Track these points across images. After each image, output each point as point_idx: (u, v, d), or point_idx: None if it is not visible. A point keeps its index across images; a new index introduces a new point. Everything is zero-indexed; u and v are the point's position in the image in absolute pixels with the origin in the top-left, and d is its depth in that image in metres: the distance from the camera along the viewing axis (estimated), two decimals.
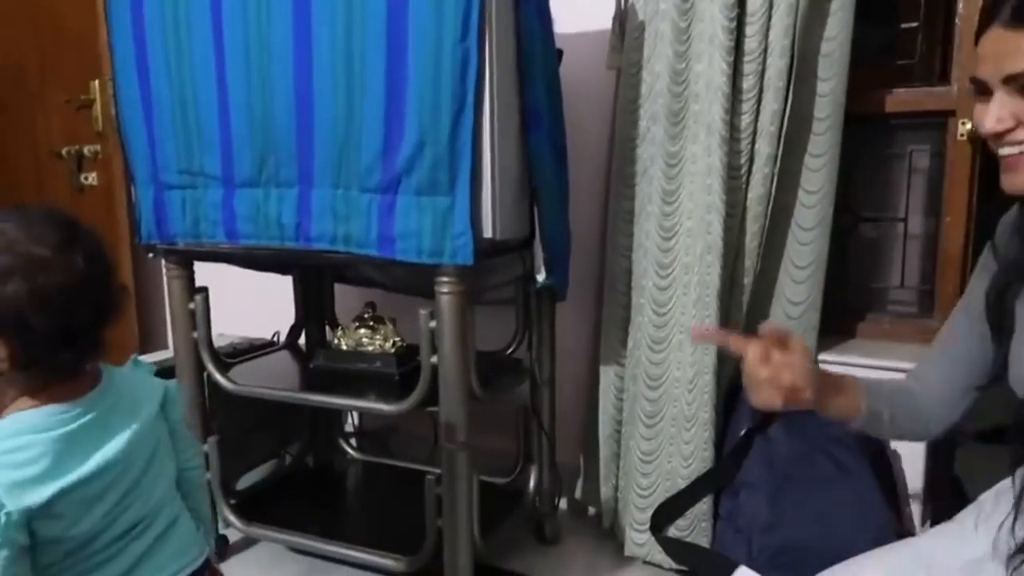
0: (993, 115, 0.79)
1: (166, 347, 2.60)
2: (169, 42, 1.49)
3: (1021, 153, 0.80)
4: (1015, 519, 0.86)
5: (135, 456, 0.88)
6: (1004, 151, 0.81)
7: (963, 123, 1.62)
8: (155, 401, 0.94)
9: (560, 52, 1.56)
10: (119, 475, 0.85)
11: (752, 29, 1.50)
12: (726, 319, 1.60)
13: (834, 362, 1.65)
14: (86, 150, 2.44)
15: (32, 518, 0.78)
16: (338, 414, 2.10)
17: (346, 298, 2.04)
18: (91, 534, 0.84)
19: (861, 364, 1.64)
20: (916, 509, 1.63)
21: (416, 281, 1.70)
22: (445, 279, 1.36)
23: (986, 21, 0.80)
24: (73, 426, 0.82)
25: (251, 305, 2.09)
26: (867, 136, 1.75)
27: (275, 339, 2.03)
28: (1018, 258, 0.91)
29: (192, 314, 1.61)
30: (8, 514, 0.75)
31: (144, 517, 0.90)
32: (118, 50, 1.56)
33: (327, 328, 2.00)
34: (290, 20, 1.38)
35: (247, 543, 1.79)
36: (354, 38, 1.34)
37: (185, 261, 1.62)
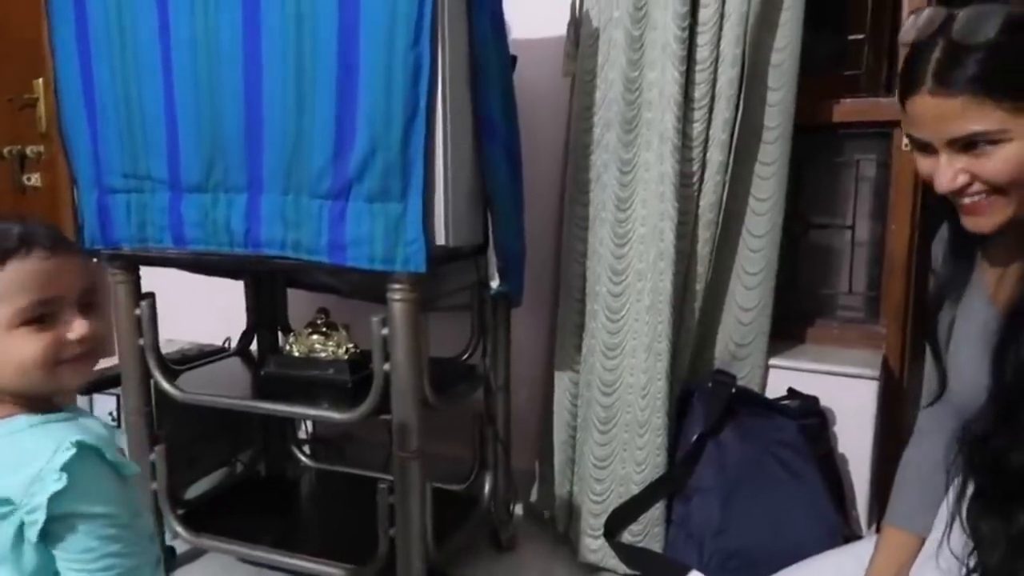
0: (948, 176, 0.80)
1: (112, 353, 2.54)
2: (113, 41, 1.45)
3: (983, 199, 0.81)
4: (948, 537, 0.88)
5: None
6: (965, 201, 0.82)
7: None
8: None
9: (514, 59, 1.56)
10: None
11: (704, 39, 1.52)
12: (679, 325, 1.61)
13: (784, 367, 1.69)
14: (29, 150, 2.36)
15: None
16: (291, 421, 2.07)
17: (299, 304, 2.01)
18: None
19: (810, 369, 1.67)
20: (863, 512, 1.66)
21: (371, 286, 1.68)
22: (397, 286, 1.35)
23: (908, 86, 0.80)
24: None
25: (202, 310, 2.05)
26: (816, 144, 1.79)
27: (226, 345, 1.99)
28: (951, 274, 0.93)
29: (138, 320, 1.57)
30: None
31: None
32: (59, 48, 1.52)
33: (280, 334, 1.96)
34: (239, 20, 1.36)
35: (195, 554, 1.76)
36: (304, 41, 1.32)
37: (131, 266, 1.58)
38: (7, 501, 0.71)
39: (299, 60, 1.32)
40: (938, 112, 0.78)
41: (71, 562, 0.72)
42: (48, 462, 0.70)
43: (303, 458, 2.06)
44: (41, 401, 0.78)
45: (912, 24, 0.81)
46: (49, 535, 0.71)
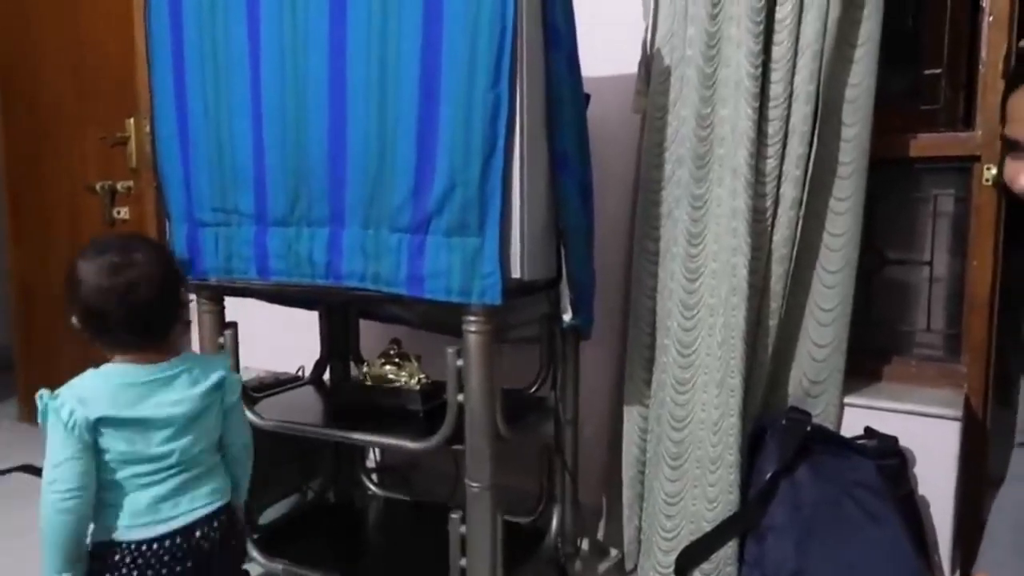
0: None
1: None
2: (208, 84, 1.54)
3: None
4: None
5: (180, 414, 1.19)
6: None
7: (988, 168, 1.63)
8: (212, 383, 1.24)
9: (588, 96, 1.59)
10: (162, 423, 1.18)
11: (777, 75, 1.52)
12: (751, 361, 1.60)
13: (861, 405, 1.65)
14: (119, 185, 2.51)
15: (89, 429, 1.12)
16: (360, 449, 2.11)
17: (370, 334, 2.06)
18: (129, 456, 1.15)
19: (888, 408, 1.63)
20: (945, 557, 1.60)
21: (441, 318, 1.72)
22: (473, 318, 1.37)
23: (1011, 86, 0.81)
24: (129, 380, 1.17)
25: (275, 339, 2.11)
26: (891, 179, 1.76)
27: (300, 373, 2.05)
28: None
29: (221, 348, 1.64)
30: (75, 418, 1.11)
31: (184, 461, 1.20)
32: (158, 91, 1.61)
33: (351, 363, 2.01)
34: (325, 63, 1.42)
35: None
36: (388, 82, 1.37)
37: (216, 296, 1.65)
38: (219, 386, 1.26)
39: (382, 100, 1.38)
40: None
41: (237, 421, 1.33)
42: (226, 371, 1.28)
43: (371, 486, 2.09)
44: None
45: None
46: (231, 409, 1.30)
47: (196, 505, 1.21)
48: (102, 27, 2.53)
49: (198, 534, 1.21)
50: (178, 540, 1.19)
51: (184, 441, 1.20)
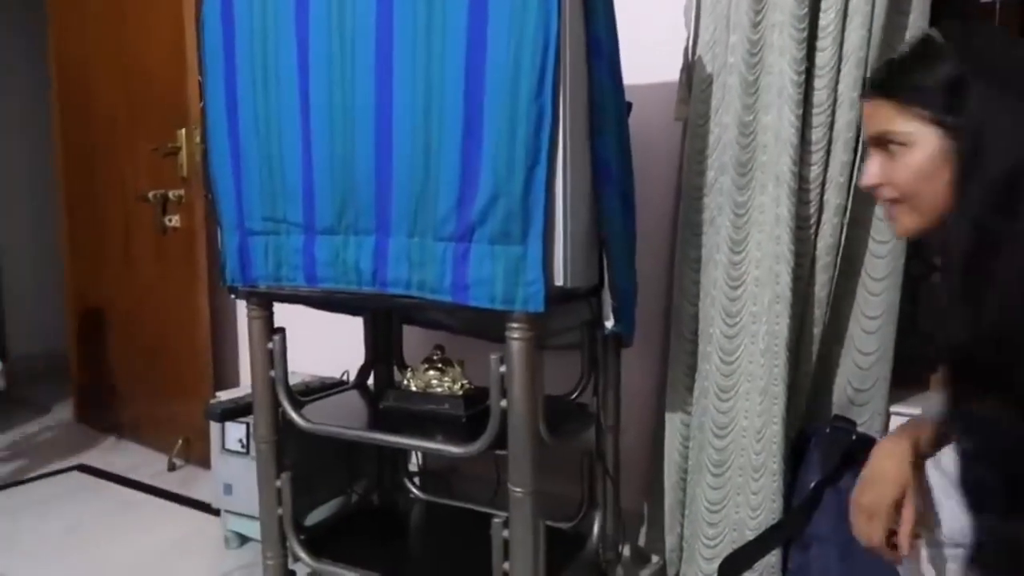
0: (864, 172, 0.97)
1: (236, 384, 2.70)
2: (258, 99, 1.58)
3: (892, 204, 0.96)
4: None
5: None
6: (881, 204, 0.99)
7: None
8: None
9: (629, 104, 1.60)
10: None
11: (821, 82, 1.52)
12: (795, 369, 1.59)
13: (907, 414, 1.63)
14: (171, 194, 2.58)
15: None
16: (403, 453, 2.14)
17: (413, 340, 2.09)
18: None
19: None
20: None
21: (483, 324, 1.74)
22: (516, 325, 1.39)
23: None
24: None
25: (321, 344, 2.16)
26: None
27: (344, 378, 2.09)
28: None
29: (270, 353, 1.68)
30: None
31: None
32: (211, 106, 1.66)
33: (395, 369, 2.05)
34: (372, 78, 1.46)
35: None
36: (433, 94, 1.40)
37: (265, 303, 1.69)
38: None
39: (427, 111, 1.41)
40: (865, 114, 1.03)
41: None
42: None
43: (413, 490, 2.12)
44: None
45: None
46: None
47: None
48: (152, 42, 2.61)
49: None
50: None
51: None
